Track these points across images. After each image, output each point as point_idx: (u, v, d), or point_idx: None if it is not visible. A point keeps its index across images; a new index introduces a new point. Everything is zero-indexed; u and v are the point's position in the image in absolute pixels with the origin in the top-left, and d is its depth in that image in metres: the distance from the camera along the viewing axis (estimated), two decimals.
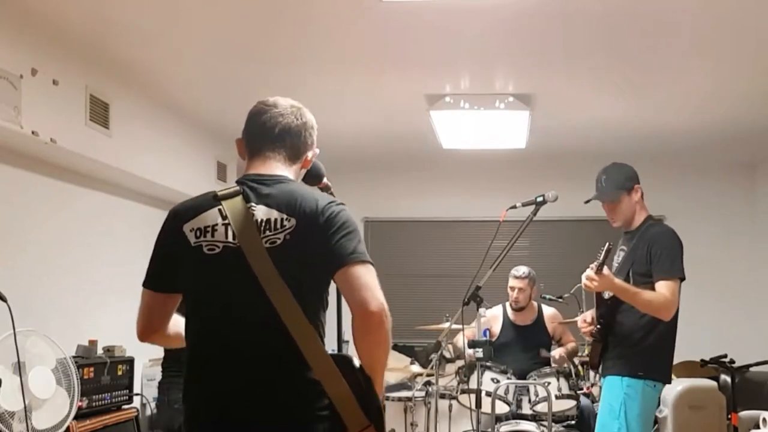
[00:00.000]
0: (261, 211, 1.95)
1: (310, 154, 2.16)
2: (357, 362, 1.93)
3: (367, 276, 1.89)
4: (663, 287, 3.28)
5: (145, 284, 2.09)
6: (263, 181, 2.02)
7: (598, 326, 3.47)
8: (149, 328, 2.13)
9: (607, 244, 3.20)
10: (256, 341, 1.91)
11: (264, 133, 2.09)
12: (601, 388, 3.65)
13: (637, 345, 3.37)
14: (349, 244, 1.91)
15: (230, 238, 1.94)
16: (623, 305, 3.37)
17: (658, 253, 3.34)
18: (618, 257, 3.56)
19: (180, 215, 2.02)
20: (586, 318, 3.66)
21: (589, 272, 3.24)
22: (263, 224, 1.93)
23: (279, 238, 1.91)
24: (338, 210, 1.96)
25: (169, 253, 2.03)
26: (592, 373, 5.06)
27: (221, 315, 1.96)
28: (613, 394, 3.36)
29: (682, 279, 3.33)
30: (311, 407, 1.88)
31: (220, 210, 1.98)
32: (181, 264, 2.00)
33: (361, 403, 1.89)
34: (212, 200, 2.01)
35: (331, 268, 1.90)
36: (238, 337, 1.93)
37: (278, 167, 2.08)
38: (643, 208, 3.53)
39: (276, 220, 1.93)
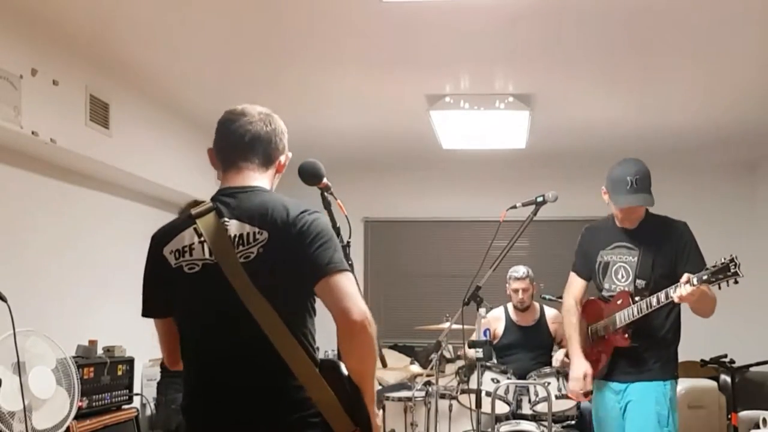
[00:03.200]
0: (234, 226, 1.95)
1: (282, 159, 2.15)
2: (344, 368, 1.94)
3: (346, 285, 1.89)
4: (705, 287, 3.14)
5: (144, 314, 2.10)
6: (235, 194, 2.02)
7: (625, 334, 3.32)
8: (172, 354, 2.12)
9: (731, 256, 2.96)
10: (242, 354, 1.93)
11: (234, 143, 2.09)
12: (598, 390, 3.58)
13: (670, 346, 3.32)
14: (325, 254, 1.90)
15: (207, 255, 1.96)
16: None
17: (687, 252, 3.27)
18: (618, 255, 3.40)
19: (159, 240, 2.04)
20: (587, 374, 3.44)
21: (692, 288, 2.98)
22: (236, 239, 1.94)
23: (252, 252, 1.92)
24: (311, 219, 1.94)
25: (155, 279, 2.05)
26: None
27: (207, 331, 1.98)
28: (658, 401, 3.25)
29: None
30: (301, 414, 1.89)
31: (195, 228, 1.99)
32: (167, 288, 2.02)
33: (347, 408, 1.90)
34: (187, 220, 2.02)
35: (310, 279, 1.91)
36: (224, 350, 1.95)
37: (252, 176, 2.07)
38: None
39: (248, 234, 1.93)
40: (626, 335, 3.32)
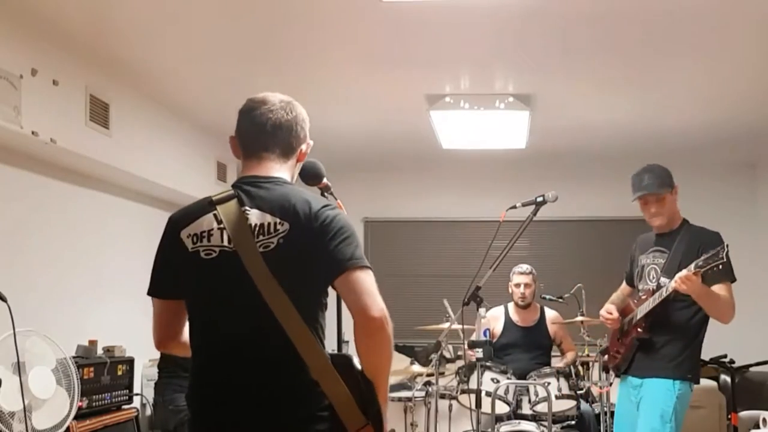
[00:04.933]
0: (255, 216, 1.96)
1: (304, 147, 2.15)
2: (357, 362, 1.94)
3: (367, 281, 1.89)
4: (724, 291, 3.26)
5: (149, 292, 2.09)
6: (257, 183, 2.02)
7: (642, 326, 3.43)
8: (164, 336, 2.12)
9: (723, 246, 3.07)
10: (255, 343, 1.93)
11: (256, 132, 2.09)
12: (620, 384, 3.63)
13: (687, 347, 3.37)
14: (347, 250, 1.91)
15: (226, 243, 1.95)
16: (678, 304, 3.34)
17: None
18: (651, 258, 3.54)
19: (177, 222, 2.04)
20: (611, 311, 3.65)
21: (687, 273, 3.13)
22: (257, 228, 1.94)
23: (272, 243, 1.92)
24: (333, 215, 1.95)
25: (169, 260, 2.04)
26: (594, 373, 5.04)
27: (220, 318, 1.97)
28: (664, 398, 3.32)
29: (734, 281, 3.33)
30: (311, 408, 1.89)
31: (215, 215, 1.99)
32: (181, 270, 2.01)
33: (359, 402, 1.90)
34: (207, 205, 2.02)
35: (330, 274, 1.91)
36: (236, 339, 1.95)
37: (273, 167, 2.08)
38: (678, 210, 3.57)
39: (269, 224, 1.94)
40: (642, 326, 3.44)
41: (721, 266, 3.07)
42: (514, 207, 3.81)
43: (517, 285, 5.32)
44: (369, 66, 4.49)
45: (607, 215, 7.00)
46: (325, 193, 2.36)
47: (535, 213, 3.79)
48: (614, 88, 4.91)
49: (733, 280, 3.32)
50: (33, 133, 3.78)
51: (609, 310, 3.66)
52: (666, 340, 3.40)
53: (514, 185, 6.45)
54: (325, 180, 2.38)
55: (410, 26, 3.82)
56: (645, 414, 3.38)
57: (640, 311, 3.47)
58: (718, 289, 3.27)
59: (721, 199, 7.11)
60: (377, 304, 1.86)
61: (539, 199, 3.76)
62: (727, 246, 3.13)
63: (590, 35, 3.96)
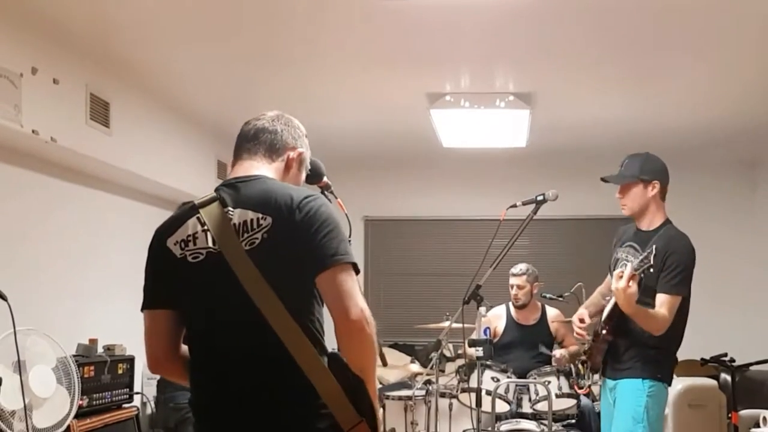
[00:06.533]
0: (237, 214, 1.95)
1: (292, 153, 2.14)
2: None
3: (347, 282, 1.88)
4: (665, 303, 3.20)
5: (144, 306, 2.06)
6: (237, 184, 2.02)
7: (605, 328, 3.38)
8: (159, 352, 2.08)
9: (653, 248, 3.06)
10: (246, 344, 1.92)
11: (242, 140, 2.14)
12: (601, 387, 3.63)
13: (655, 347, 3.29)
14: (330, 244, 1.89)
15: (211, 244, 1.95)
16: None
17: (673, 265, 3.21)
18: (625, 253, 3.45)
19: (163, 232, 2.03)
20: (582, 318, 3.56)
21: (622, 282, 3.09)
22: (240, 227, 1.93)
23: (257, 239, 1.91)
24: (317, 206, 1.93)
25: (159, 270, 2.04)
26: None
27: (212, 321, 1.97)
28: (635, 398, 3.28)
29: (685, 297, 3.26)
30: (310, 406, 1.88)
31: (198, 218, 1.99)
32: (171, 278, 2.01)
33: (351, 399, 1.89)
34: (190, 210, 2.02)
35: (313, 270, 1.89)
36: (228, 341, 1.94)
37: (255, 166, 2.08)
38: (660, 209, 3.43)
39: (252, 220, 1.92)
40: (606, 329, 3.38)
41: (651, 270, 3.04)
42: (515, 206, 3.81)
43: (511, 286, 5.35)
44: (370, 65, 4.49)
45: (607, 213, 6.98)
46: (326, 192, 2.36)
47: (535, 211, 3.79)
48: (614, 87, 4.92)
49: (684, 294, 3.24)
50: (33, 131, 3.78)
51: (581, 317, 3.55)
52: (630, 343, 3.33)
53: (514, 184, 6.45)
54: (325, 179, 2.38)
55: (411, 25, 3.82)
56: (617, 416, 3.35)
57: (605, 312, 3.41)
58: (660, 299, 3.21)
59: (721, 198, 7.12)
60: (356, 306, 1.85)
61: (539, 198, 3.76)
62: (676, 255, 3.13)
63: (590, 33, 3.96)
